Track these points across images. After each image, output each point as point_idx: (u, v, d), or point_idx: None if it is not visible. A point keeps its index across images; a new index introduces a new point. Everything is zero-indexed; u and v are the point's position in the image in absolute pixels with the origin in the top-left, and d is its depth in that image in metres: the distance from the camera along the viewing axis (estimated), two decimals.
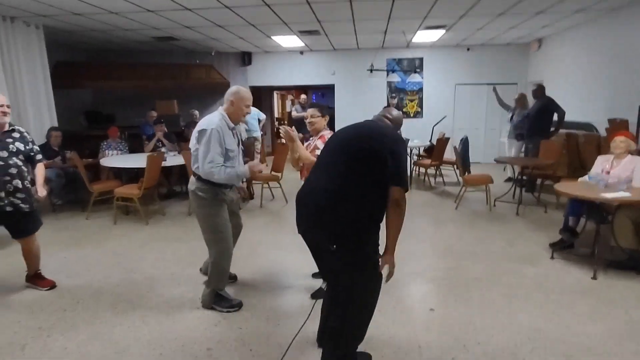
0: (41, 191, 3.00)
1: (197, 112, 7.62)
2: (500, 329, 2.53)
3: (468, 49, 9.32)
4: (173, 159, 5.65)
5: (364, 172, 1.91)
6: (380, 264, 2.00)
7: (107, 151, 6.12)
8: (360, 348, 2.32)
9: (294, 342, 2.37)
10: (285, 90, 14.44)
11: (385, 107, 2.30)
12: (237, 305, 2.81)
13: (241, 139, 2.92)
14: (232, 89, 2.74)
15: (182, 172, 6.23)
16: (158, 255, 3.87)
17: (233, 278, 3.24)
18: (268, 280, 3.31)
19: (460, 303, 2.87)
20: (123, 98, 9.33)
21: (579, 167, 5.83)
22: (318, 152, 2.83)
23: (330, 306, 2.12)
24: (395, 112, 2.23)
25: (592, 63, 6.61)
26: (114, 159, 5.79)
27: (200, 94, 9.41)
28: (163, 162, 5.25)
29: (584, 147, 5.76)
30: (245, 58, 9.75)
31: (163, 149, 6.14)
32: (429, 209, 5.50)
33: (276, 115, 13.40)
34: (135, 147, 6.70)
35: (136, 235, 4.50)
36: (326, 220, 1.91)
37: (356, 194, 1.89)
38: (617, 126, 5.15)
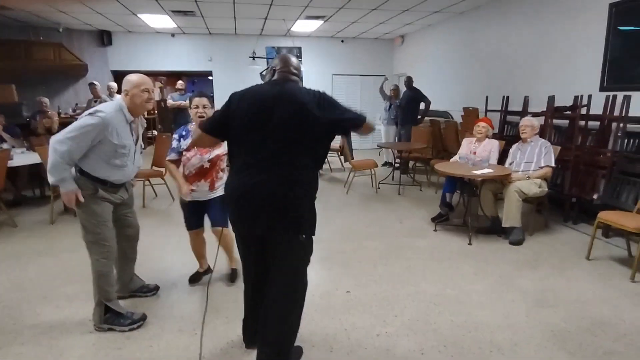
0: None
1: (46, 100, 6.32)
2: (410, 299, 2.77)
3: (342, 41, 9.83)
4: (22, 157, 4.63)
5: (309, 145, 1.81)
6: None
7: None
8: None
9: (216, 346, 2.19)
10: (153, 76, 13.09)
11: (281, 60, 1.92)
12: (140, 319, 2.45)
13: (139, 135, 2.52)
14: (125, 78, 2.36)
15: (33, 173, 5.16)
16: (17, 277, 3.13)
17: (154, 289, 2.84)
18: (171, 286, 2.96)
19: (371, 281, 3.04)
20: None
21: (442, 149, 6.75)
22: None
23: (285, 307, 1.93)
24: (295, 61, 1.93)
25: (447, 58, 7.66)
26: None
27: (48, 77, 7.86)
28: (9, 162, 4.24)
29: (445, 132, 6.66)
30: (105, 37, 8.50)
31: (4, 146, 4.95)
32: (323, 196, 5.67)
33: None
34: None
35: None
36: (290, 210, 1.79)
37: (304, 170, 1.81)
38: (471, 113, 6.10)
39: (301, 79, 1.95)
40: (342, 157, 7.72)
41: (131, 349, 2.22)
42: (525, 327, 2.43)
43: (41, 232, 4.14)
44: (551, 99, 4.59)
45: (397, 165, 6.68)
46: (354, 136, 9.30)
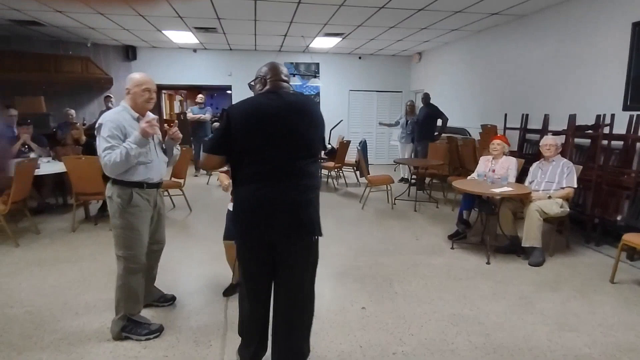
0: None
1: (73, 112, 6.56)
2: (427, 318, 2.72)
3: (360, 58, 9.94)
4: (47, 166, 4.77)
5: (315, 153, 1.94)
6: None
7: None
8: None
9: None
10: (173, 90, 13.43)
11: (271, 69, 1.92)
12: (158, 330, 2.47)
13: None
14: (128, 76, 2.47)
15: (57, 182, 5.32)
16: (39, 283, 3.20)
17: (171, 300, 2.86)
18: (188, 297, 2.98)
19: (387, 298, 3.01)
20: None
21: (459, 166, 6.69)
22: None
23: (309, 310, 2.03)
24: (284, 69, 1.96)
25: (465, 75, 7.66)
26: None
27: (75, 90, 8.15)
28: (36, 171, 4.38)
29: (462, 149, 6.61)
30: (130, 52, 8.79)
31: (32, 155, 5.13)
32: (338, 210, 5.68)
33: (164, 116, 12.36)
34: None
35: (4, 260, 3.65)
36: (306, 214, 1.86)
37: (314, 176, 1.90)
38: (489, 131, 6.05)
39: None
40: (357, 172, 7.73)
41: (147, 358, 2.24)
42: (547, 351, 2.35)
43: (63, 240, 4.24)
44: (572, 118, 4.53)
45: (413, 181, 6.64)
46: (370, 151, 9.31)
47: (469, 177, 4.59)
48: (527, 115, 5.68)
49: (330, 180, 7.57)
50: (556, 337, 2.50)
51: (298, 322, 1.96)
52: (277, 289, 1.95)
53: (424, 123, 6.96)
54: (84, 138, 5.38)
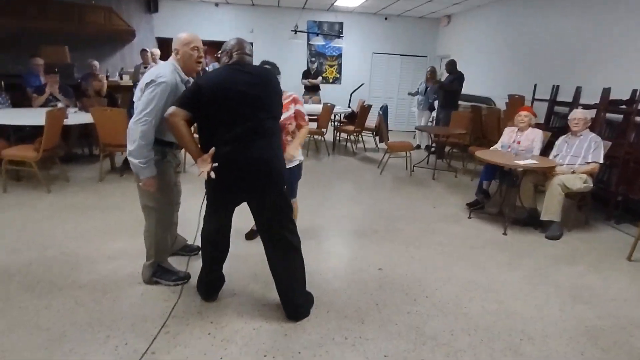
0: None
1: (96, 63, 6.57)
2: (442, 282, 2.81)
3: (386, 19, 9.58)
4: (75, 117, 4.87)
5: (278, 116, 2.26)
6: None
7: None
8: (324, 311, 2.39)
9: (253, 307, 2.33)
10: None
11: (237, 44, 2.14)
12: (185, 277, 2.62)
13: None
14: (175, 36, 2.37)
15: (83, 133, 5.45)
16: (72, 228, 3.37)
17: (196, 249, 2.96)
18: None
19: (403, 262, 3.09)
20: None
21: (481, 136, 6.58)
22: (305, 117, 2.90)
23: (292, 259, 2.27)
24: (248, 45, 2.20)
25: (495, 42, 7.35)
26: None
27: (98, 41, 8.13)
28: (65, 120, 4.48)
29: (486, 119, 6.47)
30: (151, 4, 8.63)
31: (60, 104, 5.22)
32: (355, 175, 5.71)
33: None
34: (17, 101, 5.58)
35: (38, 204, 3.84)
36: (274, 171, 2.13)
37: (279, 137, 2.25)
38: (516, 101, 5.88)
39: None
40: (376, 137, 7.67)
41: (175, 302, 2.39)
42: (558, 321, 2.42)
43: (91, 188, 4.41)
44: (606, 91, 4.37)
45: (433, 149, 6.58)
46: (390, 117, 9.18)
47: (492, 148, 4.53)
48: (557, 86, 5.48)
49: (348, 144, 7.54)
50: (568, 308, 2.56)
51: (289, 272, 2.27)
52: (267, 236, 2.24)
53: (449, 90, 6.78)
54: (105, 90, 5.44)
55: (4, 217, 3.51)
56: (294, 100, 2.86)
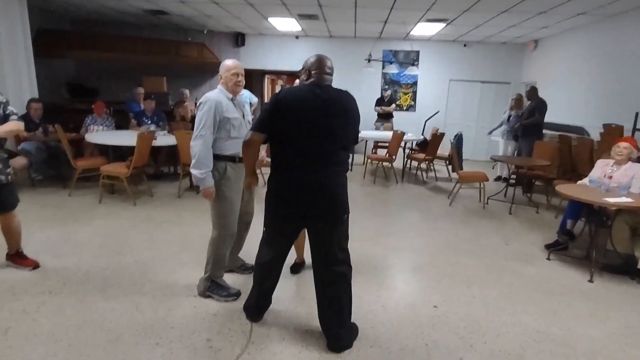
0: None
1: (187, 92, 7.33)
2: (505, 329, 2.51)
3: (465, 45, 9.30)
4: (163, 139, 5.43)
5: (349, 145, 2.18)
6: None
7: (91, 126, 5.81)
8: (367, 345, 2.28)
9: (295, 331, 2.29)
10: (275, 74, 14.15)
11: (317, 61, 2.09)
12: (235, 294, 2.70)
13: (245, 112, 2.77)
14: (221, 63, 2.69)
15: (170, 153, 6.03)
16: (148, 238, 3.70)
17: (250, 269, 3.03)
18: None
19: (462, 301, 2.84)
20: (107, 71, 8.93)
21: (570, 169, 5.92)
22: None
23: (339, 287, 2.20)
24: (329, 62, 2.13)
25: (587, 67, 6.68)
26: (101, 135, 5.51)
27: (191, 72, 9.12)
28: (153, 142, 5.02)
29: (576, 151, 5.82)
30: (239, 39, 9.45)
31: (152, 128, 5.88)
32: (423, 203, 5.48)
33: (266, 100, 13.14)
34: (120, 124, 6.41)
35: (123, 215, 4.30)
36: (339, 196, 2.11)
37: (345, 164, 2.19)
38: (613, 131, 5.22)
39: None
40: (449, 167, 7.33)
41: (223, 317, 2.46)
42: None
43: (170, 203, 4.83)
44: None
45: (512, 181, 6.07)
46: (467, 145, 8.72)
47: (579, 182, 4.04)
48: None
49: (419, 172, 7.31)
50: None
51: (335, 300, 2.20)
52: (315, 267, 2.21)
53: (530, 118, 6.27)
54: (189, 116, 6.00)
55: (96, 225, 3.98)
56: None
